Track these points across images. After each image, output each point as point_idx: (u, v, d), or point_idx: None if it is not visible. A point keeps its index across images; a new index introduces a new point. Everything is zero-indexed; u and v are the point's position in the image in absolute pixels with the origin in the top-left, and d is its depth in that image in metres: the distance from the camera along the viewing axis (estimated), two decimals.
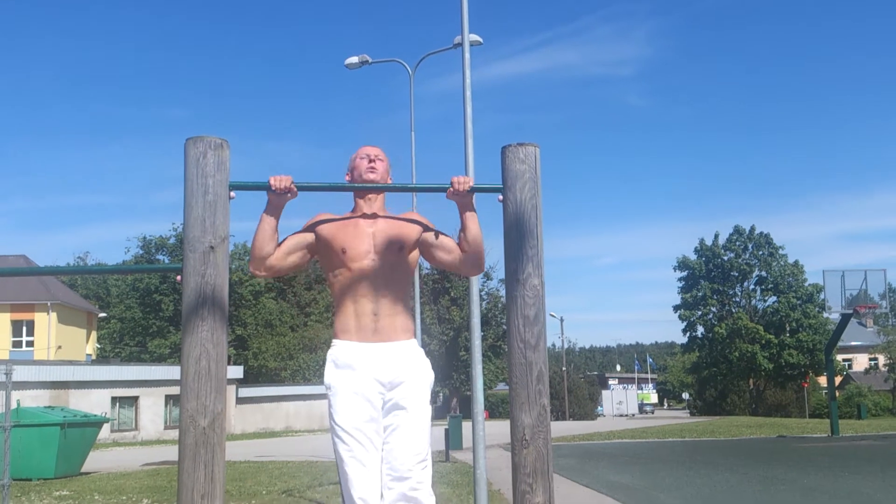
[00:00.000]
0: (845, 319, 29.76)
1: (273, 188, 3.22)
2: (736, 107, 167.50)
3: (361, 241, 3.43)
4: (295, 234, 3.53)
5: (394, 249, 3.44)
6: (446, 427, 20.15)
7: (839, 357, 66.46)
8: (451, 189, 3.33)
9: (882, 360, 64.04)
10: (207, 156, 3.03)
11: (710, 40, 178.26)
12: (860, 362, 73.58)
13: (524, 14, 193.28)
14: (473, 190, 3.37)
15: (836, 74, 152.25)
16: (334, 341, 3.46)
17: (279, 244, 3.46)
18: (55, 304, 43.17)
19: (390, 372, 3.39)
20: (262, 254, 3.39)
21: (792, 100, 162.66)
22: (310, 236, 3.51)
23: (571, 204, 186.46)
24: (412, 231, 3.52)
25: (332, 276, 3.49)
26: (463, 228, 3.44)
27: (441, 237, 3.56)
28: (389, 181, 3.70)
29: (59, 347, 42.90)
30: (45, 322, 42.92)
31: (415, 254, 3.58)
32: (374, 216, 3.53)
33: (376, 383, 3.37)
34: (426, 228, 3.56)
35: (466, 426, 19.55)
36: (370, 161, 3.60)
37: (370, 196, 3.56)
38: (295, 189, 3.26)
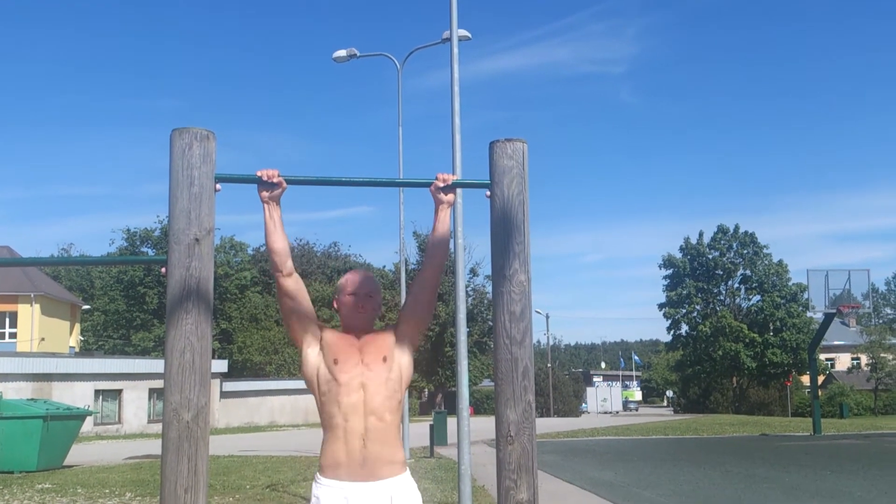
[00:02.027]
0: (829, 319, 29.99)
1: (263, 179, 3.19)
2: (723, 106, 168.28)
3: (351, 352, 3.30)
4: (317, 320, 3.41)
5: (379, 360, 3.30)
6: (431, 423, 20.17)
7: (822, 356, 66.93)
8: (435, 184, 3.32)
9: (864, 359, 64.58)
10: (193, 147, 3.01)
11: (700, 39, 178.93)
12: (843, 362, 74.18)
13: (514, 10, 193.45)
14: (458, 185, 3.36)
15: (823, 75, 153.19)
16: (319, 478, 3.27)
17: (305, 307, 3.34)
18: (38, 295, 42.91)
19: None
20: (275, 246, 3.26)
21: (779, 99, 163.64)
22: (317, 324, 3.37)
23: (558, 201, 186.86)
24: (390, 335, 3.39)
25: (319, 391, 3.31)
26: (434, 229, 3.38)
27: (401, 317, 3.45)
28: (379, 311, 3.55)
29: (43, 339, 42.64)
30: (29, 313, 42.65)
31: (405, 365, 3.40)
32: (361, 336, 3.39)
33: None
34: (395, 324, 3.45)
35: (451, 422, 19.57)
36: (359, 303, 3.40)
37: (359, 331, 3.41)
38: (283, 182, 3.23)
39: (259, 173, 3.18)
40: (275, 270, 3.32)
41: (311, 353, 3.34)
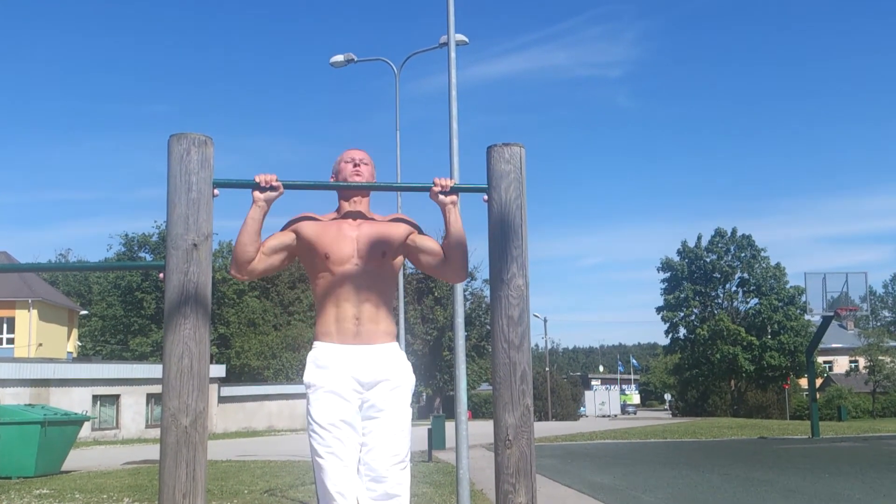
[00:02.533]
0: (826, 322, 30.00)
1: (260, 184, 3.20)
2: (720, 109, 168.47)
3: (344, 245, 3.40)
4: (276, 234, 3.48)
5: (377, 255, 3.41)
6: (429, 427, 20.15)
7: (820, 359, 66.99)
8: (434, 189, 3.33)
9: (862, 362, 64.63)
10: (191, 153, 3.02)
11: (697, 43, 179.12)
12: (841, 364, 74.23)
13: (512, 15, 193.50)
14: (456, 190, 3.37)
15: (821, 78, 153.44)
16: (315, 343, 3.45)
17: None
18: (36, 301, 42.84)
19: (369, 373, 3.38)
20: (244, 256, 3.34)
21: (776, 102, 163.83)
22: (291, 237, 3.47)
23: (556, 205, 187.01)
24: (396, 234, 3.49)
25: (314, 279, 3.47)
26: (447, 233, 3.42)
27: (426, 240, 3.54)
28: (374, 174, 3.68)
29: (40, 345, 42.56)
30: (26, 319, 42.57)
31: (399, 258, 3.56)
32: (357, 218, 3.50)
33: (354, 383, 3.37)
34: (411, 231, 3.53)
35: (450, 426, 19.56)
36: (355, 165, 3.56)
37: (355, 198, 3.52)
38: (281, 187, 3.24)
39: (257, 178, 3.19)
40: (231, 269, 3.41)
41: (298, 253, 3.50)
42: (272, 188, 3.21)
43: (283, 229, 3.52)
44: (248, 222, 3.29)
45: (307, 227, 3.46)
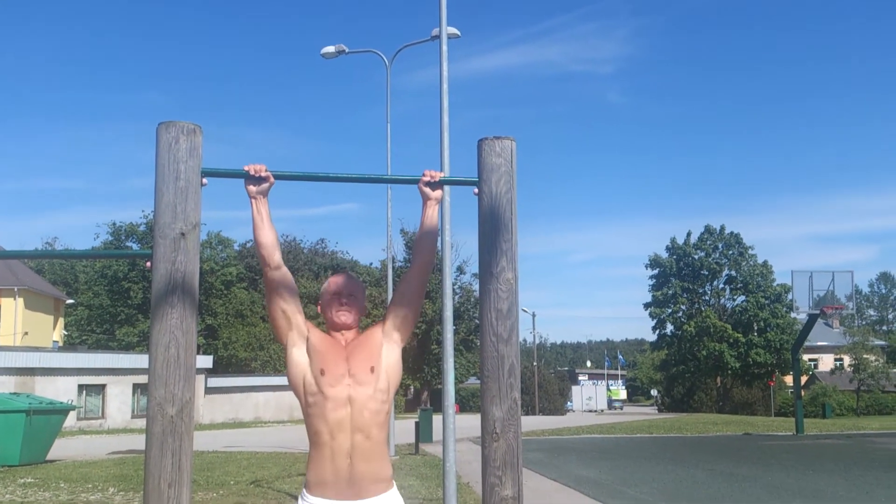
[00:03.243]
0: (812, 320, 30.17)
1: (250, 174, 3.17)
2: (712, 107, 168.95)
3: (338, 362, 3.24)
4: (303, 318, 3.33)
5: (367, 370, 3.24)
6: (417, 420, 20.18)
7: (805, 357, 67.34)
8: (423, 180, 3.31)
9: (847, 360, 65.02)
10: (180, 141, 2.99)
11: (688, 41, 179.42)
12: (826, 362, 74.68)
13: (504, 9, 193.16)
14: (447, 182, 3.36)
15: (809, 77, 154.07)
16: (306, 495, 3.23)
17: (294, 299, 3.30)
18: (22, 289, 42.60)
19: None
20: (263, 240, 3.23)
21: (766, 101, 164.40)
22: (304, 322, 3.30)
23: (545, 200, 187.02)
24: (376, 336, 3.34)
25: (306, 401, 3.26)
26: (422, 224, 3.38)
27: (390, 313, 3.39)
28: (364, 313, 3.48)
29: (26, 334, 42.34)
30: (12, 307, 42.33)
31: (393, 368, 3.34)
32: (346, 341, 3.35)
33: None
34: (379, 324, 3.38)
35: (437, 419, 19.58)
36: (341, 303, 3.36)
37: (345, 332, 3.36)
38: (271, 177, 3.21)
39: (247, 168, 3.16)
40: (263, 265, 3.28)
41: (297, 354, 3.27)
42: (262, 179, 3.19)
43: (304, 328, 3.33)
44: (255, 218, 3.23)
45: (316, 331, 3.32)
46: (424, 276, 3.43)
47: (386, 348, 3.31)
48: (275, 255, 3.26)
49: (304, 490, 3.22)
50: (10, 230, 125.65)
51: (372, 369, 3.25)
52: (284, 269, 3.29)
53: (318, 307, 3.47)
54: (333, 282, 3.42)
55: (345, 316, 3.33)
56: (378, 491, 3.21)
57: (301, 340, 3.28)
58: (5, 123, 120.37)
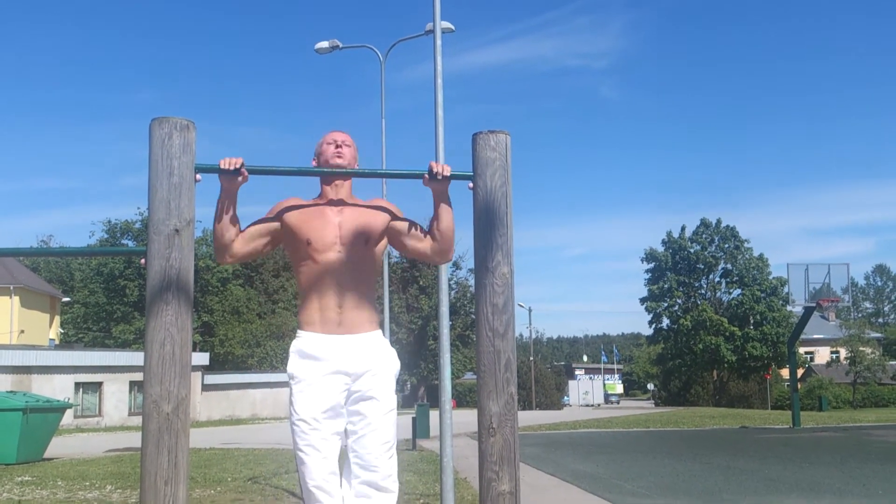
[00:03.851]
0: (808, 313, 30.21)
1: (223, 168, 3.16)
2: (707, 101, 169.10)
3: (327, 232, 3.38)
4: (260, 220, 3.48)
5: (360, 241, 3.39)
6: (414, 416, 20.18)
7: (801, 350, 67.58)
8: (428, 175, 3.30)
9: (843, 353, 65.20)
10: (173, 137, 2.98)
11: (682, 35, 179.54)
12: (822, 355, 74.89)
13: (498, 4, 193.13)
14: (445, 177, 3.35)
15: (804, 71, 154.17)
16: (298, 332, 3.43)
17: (244, 229, 3.42)
18: (17, 287, 42.51)
19: (355, 363, 3.37)
20: (223, 241, 3.34)
21: (761, 95, 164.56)
22: (275, 223, 3.46)
23: (541, 195, 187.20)
24: (379, 221, 3.47)
25: (297, 266, 3.45)
26: (436, 217, 3.41)
27: (409, 225, 3.52)
28: (357, 167, 3.63)
29: (22, 332, 42.26)
30: (8, 306, 42.24)
31: (382, 243, 3.54)
32: (340, 204, 3.48)
33: (341, 374, 3.36)
34: (394, 217, 3.52)
35: (434, 415, 19.58)
36: (336, 146, 3.53)
37: (337, 182, 3.50)
38: (246, 173, 3.20)
39: (221, 162, 3.16)
40: (218, 257, 3.42)
41: (287, 241, 3.47)
42: (236, 172, 3.18)
43: (267, 214, 3.50)
44: (218, 208, 3.30)
45: (291, 214, 3.44)
46: (435, 259, 3.52)
47: (380, 232, 3.49)
48: (232, 248, 3.39)
49: (298, 330, 3.45)
50: (5, 228, 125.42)
51: (366, 241, 3.43)
52: (240, 238, 3.41)
53: (313, 163, 3.63)
54: (329, 134, 3.61)
55: (340, 159, 3.51)
56: (364, 329, 3.43)
57: (281, 232, 3.47)
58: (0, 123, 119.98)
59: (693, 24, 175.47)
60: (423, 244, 3.50)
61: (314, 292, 3.39)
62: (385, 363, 3.45)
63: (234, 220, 3.35)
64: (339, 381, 3.36)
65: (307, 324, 3.41)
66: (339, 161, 3.50)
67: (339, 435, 3.37)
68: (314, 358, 3.36)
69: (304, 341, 3.40)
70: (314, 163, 3.62)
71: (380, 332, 3.51)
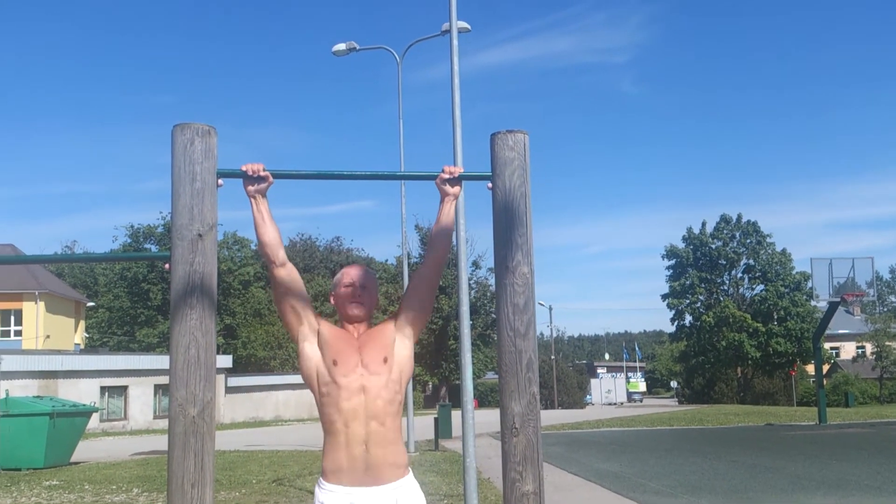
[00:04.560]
0: (833, 307, 29.93)
1: (248, 173, 3.17)
2: (726, 95, 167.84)
3: (351, 353, 3.26)
4: (314, 311, 3.38)
5: (380, 361, 3.26)
6: (436, 416, 20.20)
7: (827, 345, 66.89)
8: (441, 176, 3.31)
9: (869, 348, 64.48)
10: (195, 143, 3.01)
11: (702, 29, 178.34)
12: (848, 350, 74.10)
13: (514, 2, 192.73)
14: (462, 178, 3.36)
15: (826, 63, 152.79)
16: (322, 483, 3.24)
17: (298, 277, 3.32)
18: (43, 293, 42.97)
19: None
20: (265, 238, 3.25)
21: (782, 88, 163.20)
22: (313, 315, 3.34)
23: (560, 192, 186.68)
24: (389, 330, 3.35)
25: (319, 392, 3.29)
26: (438, 220, 3.39)
27: (403, 306, 3.40)
28: (375, 304, 3.48)
29: (48, 337, 42.72)
30: (34, 311, 42.73)
31: (406, 362, 3.36)
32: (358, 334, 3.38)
33: None
34: (392, 318, 3.41)
35: (456, 415, 19.60)
36: (355, 294, 3.37)
37: (357, 324, 3.39)
38: (270, 176, 3.20)
39: (244, 168, 3.17)
40: (268, 262, 3.29)
41: (308, 348, 3.30)
42: (261, 178, 3.18)
43: (314, 319, 3.36)
44: (255, 217, 3.25)
45: (326, 324, 3.34)
46: (437, 271, 3.44)
47: (398, 342, 3.33)
48: (279, 253, 3.27)
49: (321, 478, 3.24)
50: (30, 235, 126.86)
51: (385, 360, 3.27)
52: (290, 266, 3.31)
53: (331, 299, 3.48)
54: (347, 273, 3.44)
55: (358, 309, 3.35)
56: (395, 476, 3.22)
57: (312, 334, 3.30)
58: (22, 128, 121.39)
59: (711, 17, 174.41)
60: (419, 272, 3.43)
61: (338, 424, 3.20)
62: None
63: (271, 219, 3.25)
64: None
65: (332, 472, 3.21)
66: (356, 312, 3.36)
67: None
68: None
69: (329, 497, 3.20)
70: (332, 300, 3.48)
71: (410, 476, 3.32)
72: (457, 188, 3.34)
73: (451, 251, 3.41)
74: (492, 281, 55.50)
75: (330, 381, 3.23)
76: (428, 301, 3.42)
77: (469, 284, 9.17)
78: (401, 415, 3.36)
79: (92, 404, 20.52)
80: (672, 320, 72.37)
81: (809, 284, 43.71)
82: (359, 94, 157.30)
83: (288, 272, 3.29)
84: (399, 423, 3.32)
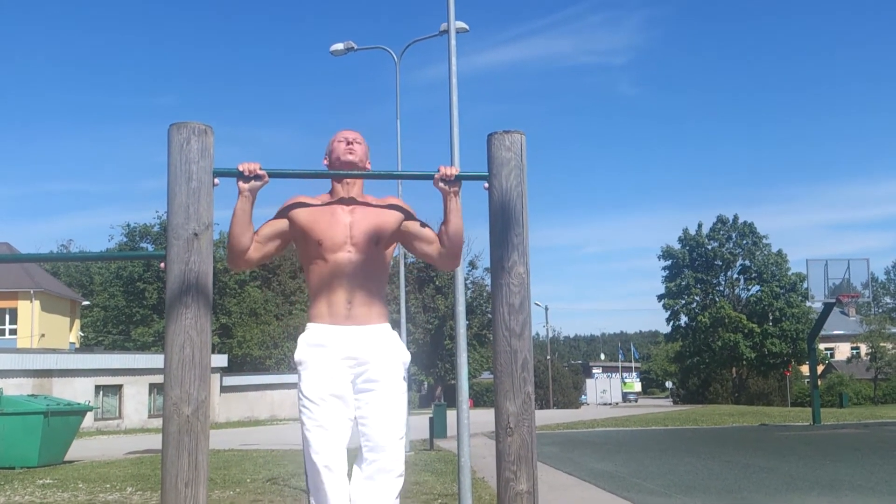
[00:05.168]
0: (828, 308, 29.98)
1: (244, 173, 3.19)
2: (723, 97, 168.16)
3: (337, 232, 3.39)
4: (269, 221, 3.50)
5: (371, 242, 3.40)
6: (431, 415, 20.20)
7: (821, 346, 66.91)
8: (437, 176, 3.32)
9: (864, 349, 64.63)
10: (191, 142, 3.01)
11: (700, 31, 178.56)
12: (842, 351, 74.26)
13: (513, 3, 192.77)
14: (459, 178, 3.36)
15: (822, 65, 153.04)
16: (307, 325, 3.47)
17: (254, 233, 3.44)
18: (38, 291, 42.86)
19: (362, 350, 3.40)
20: (240, 248, 3.35)
21: (779, 90, 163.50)
22: (284, 224, 3.47)
23: (557, 193, 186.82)
24: (391, 221, 3.48)
25: (307, 265, 3.47)
26: (445, 220, 3.41)
27: (420, 227, 3.54)
28: (368, 166, 3.63)
29: (43, 335, 42.62)
30: (28, 310, 42.62)
31: (393, 244, 3.57)
32: (351, 202, 3.48)
33: (347, 359, 3.38)
34: (407, 216, 3.53)
35: (451, 415, 19.59)
36: (348, 144, 3.55)
37: (348, 180, 3.51)
38: (266, 175, 3.23)
39: (241, 167, 3.19)
40: (228, 262, 3.41)
41: (291, 239, 3.51)
42: (257, 177, 3.21)
43: (275, 216, 3.52)
44: (238, 214, 3.28)
45: (300, 214, 3.45)
46: (442, 264, 3.54)
47: (392, 233, 3.50)
48: (245, 257, 3.42)
49: (308, 323, 3.47)
50: (25, 233, 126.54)
51: (377, 242, 3.44)
52: (253, 245, 3.43)
53: (324, 161, 3.65)
54: (340, 132, 3.62)
55: (352, 155, 3.53)
56: (374, 321, 3.45)
57: (290, 235, 3.49)
58: (18, 127, 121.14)
59: (709, 19, 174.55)
60: (432, 248, 3.50)
61: (324, 290, 3.41)
62: (392, 351, 3.46)
63: (251, 227, 3.37)
64: (346, 366, 3.38)
65: (316, 316, 3.44)
66: (350, 158, 3.52)
67: (348, 421, 3.37)
68: (321, 345, 3.39)
69: (312, 331, 3.44)
70: (325, 161, 3.64)
71: (388, 325, 3.53)
72: (455, 186, 3.36)
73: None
74: (488, 281, 55.52)
75: (317, 257, 3.42)
76: (419, 255, 3.58)
77: (465, 284, 9.17)
78: (386, 276, 3.58)
79: (86, 403, 20.48)
80: (667, 321, 72.51)
81: (805, 285, 43.78)
82: (357, 94, 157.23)
83: (257, 252, 3.44)
84: (384, 283, 3.54)
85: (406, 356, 3.52)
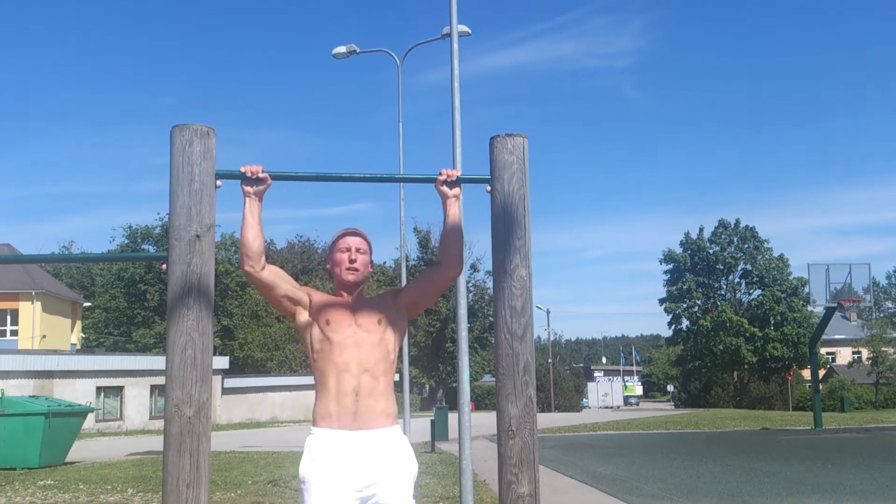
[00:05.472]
0: (829, 313, 29.96)
1: (247, 175, 3.19)
2: (726, 100, 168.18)
3: (344, 314, 3.37)
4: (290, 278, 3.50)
5: (374, 322, 3.36)
6: (432, 418, 20.19)
7: (823, 350, 66.93)
8: (440, 179, 3.32)
9: (865, 353, 64.56)
10: (194, 144, 3.01)
11: (703, 34, 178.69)
12: (844, 355, 74.20)
13: (515, 6, 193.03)
14: (461, 180, 3.36)
15: (824, 69, 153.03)
16: (312, 429, 3.34)
17: (277, 267, 3.42)
18: (39, 293, 42.89)
19: (370, 468, 3.25)
20: (251, 249, 3.29)
21: (781, 94, 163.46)
22: (304, 292, 3.44)
23: (559, 196, 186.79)
24: (386, 302, 3.46)
25: (313, 350, 3.38)
26: (445, 223, 3.40)
27: (411, 284, 3.57)
28: (370, 269, 3.58)
29: (44, 337, 42.64)
30: (30, 311, 42.65)
31: (398, 331, 3.46)
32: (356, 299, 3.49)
33: (354, 480, 3.23)
34: (395, 292, 3.53)
35: (452, 417, 19.59)
36: (350, 261, 3.45)
37: (350, 289, 3.49)
38: (269, 178, 3.23)
39: (243, 169, 3.19)
40: (245, 265, 3.32)
41: (303, 317, 3.42)
42: (259, 180, 3.21)
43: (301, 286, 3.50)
44: (246, 217, 3.27)
45: (316, 293, 3.46)
46: (447, 283, 3.53)
47: (395, 314, 3.43)
48: (261, 260, 3.34)
49: (311, 427, 3.35)
50: (27, 235, 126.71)
51: (379, 321, 3.38)
52: (269, 266, 3.39)
53: (327, 265, 3.59)
54: (342, 237, 3.53)
55: (353, 276, 3.45)
56: (381, 424, 3.32)
57: (305, 309, 3.42)
58: (20, 128, 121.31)
59: (712, 23, 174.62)
60: (435, 274, 3.49)
61: (331, 376, 3.30)
62: (402, 468, 3.32)
63: (261, 228, 3.33)
64: (353, 489, 3.23)
65: (322, 418, 3.30)
66: (351, 279, 3.45)
67: None
68: (327, 461, 3.24)
69: (317, 440, 3.29)
70: (328, 266, 3.59)
71: (398, 427, 3.40)
72: (457, 189, 3.36)
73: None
74: (490, 284, 55.53)
75: (323, 338, 3.34)
76: (430, 302, 3.55)
77: (467, 287, 9.19)
78: (393, 372, 3.47)
79: (88, 404, 20.49)
80: (669, 324, 72.43)
81: (806, 290, 43.73)
82: (359, 97, 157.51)
83: (271, 273, 3.38)
84: (391, 379, 3.43)
85: (415, 468, 3.39)
